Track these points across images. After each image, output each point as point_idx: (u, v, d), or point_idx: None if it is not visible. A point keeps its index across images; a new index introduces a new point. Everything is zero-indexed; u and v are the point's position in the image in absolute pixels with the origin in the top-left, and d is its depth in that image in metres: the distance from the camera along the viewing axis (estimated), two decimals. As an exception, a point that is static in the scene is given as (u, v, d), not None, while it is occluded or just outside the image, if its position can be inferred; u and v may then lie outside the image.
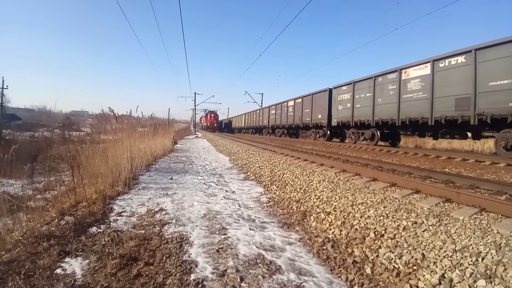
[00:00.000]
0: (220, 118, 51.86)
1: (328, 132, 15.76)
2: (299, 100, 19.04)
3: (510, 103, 6.94)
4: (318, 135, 17.05)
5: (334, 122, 14.67)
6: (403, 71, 10.25)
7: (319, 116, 16.36)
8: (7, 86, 32.85)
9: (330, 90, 15.25)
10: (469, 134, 9.15)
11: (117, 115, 6.12)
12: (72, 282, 1.74)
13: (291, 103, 20.69)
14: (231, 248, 2.26)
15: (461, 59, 8.18)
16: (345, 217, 2.96)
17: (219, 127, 49.85)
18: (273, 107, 25.14)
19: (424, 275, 1.88)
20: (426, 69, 9.34)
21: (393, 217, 2.74)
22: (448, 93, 8.51)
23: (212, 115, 46.57)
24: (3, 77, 32.16)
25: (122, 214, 3.07)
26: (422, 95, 9.43)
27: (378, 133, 11.83)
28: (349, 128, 13.72)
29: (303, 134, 20.33)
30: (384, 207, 3.04)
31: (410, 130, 11.37)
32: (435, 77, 8.98)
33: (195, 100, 39.31)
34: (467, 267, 1.84)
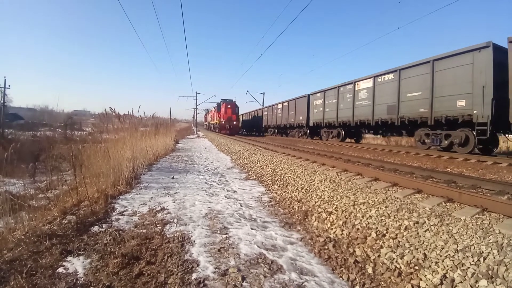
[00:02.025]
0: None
1: (308, 131, 18.16)
2: (286, 103, 21.37)
3: (420, 109, 9.27)
4: (300, 134, 19.53)
5: (311, 123, 17.29)
6: (356, 83, 12.70)
7: (301, 118, 18.82)
8: (9, 85, 33.16)
9: (308, 96, 17.73)
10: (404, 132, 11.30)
11: (119, 114, 6.13)
12: (74, 281, 1.75)
13: (279, 106, 22.70)
14: (233, 248, 2.26)
15: (391, 76, 10.65)
16: (346, 216, 2.95)
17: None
18: (266, 109, 26.49)
19: (425, 275, 1.87)
20: (370, 83, 11.80)
21: (394, 217, 2.74)
22: (383, 102, 11.05)
23: (229, 107, 26.94)
24: (5, 77, 32.39)
25: (124, 213, 3.08)
26: (368, 103, 11.94)
27: (343, 132, 14.42)
28: (322, 128, 16.29)
29: (290, 133, 22.26)
30: (386, 207, 3.03)
31: (363, 129, 13.62)
32: (375, 89, 11.49)
33: (196, 99, 39.27)
34: (468, 267, 1.84)
